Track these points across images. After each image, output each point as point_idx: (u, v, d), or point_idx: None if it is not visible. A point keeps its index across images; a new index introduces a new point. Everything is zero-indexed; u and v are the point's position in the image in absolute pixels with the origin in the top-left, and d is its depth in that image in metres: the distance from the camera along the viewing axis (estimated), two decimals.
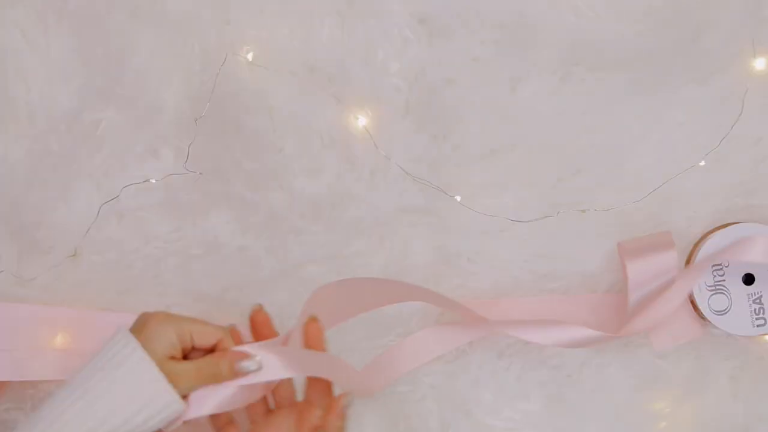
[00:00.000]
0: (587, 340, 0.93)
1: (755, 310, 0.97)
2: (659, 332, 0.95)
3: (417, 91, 0.99)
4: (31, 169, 0.99)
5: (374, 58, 0.98)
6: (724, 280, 0.96)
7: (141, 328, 0.78)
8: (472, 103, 0.99)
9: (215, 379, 0.78)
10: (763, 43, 0.98)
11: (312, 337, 0.87)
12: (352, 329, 0.98)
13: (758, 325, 0.97)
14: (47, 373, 0.95)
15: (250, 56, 0.98)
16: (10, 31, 0.98)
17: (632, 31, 0.98)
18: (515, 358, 1.02)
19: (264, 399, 0.87)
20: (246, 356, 0.80)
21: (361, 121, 1.00)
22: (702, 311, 0.97)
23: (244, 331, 0.90)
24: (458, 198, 1.00)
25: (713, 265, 0.96)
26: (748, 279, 0.98)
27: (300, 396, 0.91)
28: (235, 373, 0.79)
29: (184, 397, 0.78)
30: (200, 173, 0.99)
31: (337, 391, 0.89)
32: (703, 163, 0.99)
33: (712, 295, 0.97)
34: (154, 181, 0.99)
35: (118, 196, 0.99)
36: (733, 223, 0.97)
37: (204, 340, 0.80)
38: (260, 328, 0.88)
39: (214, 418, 0.85)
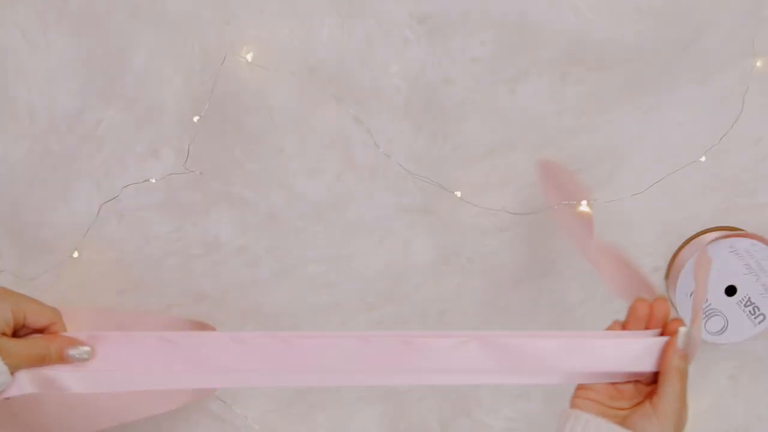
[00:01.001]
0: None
1: (750, 311, 0.97)
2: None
3: (417, 91, 0.99)
4: (31, 169, 0.99)
5: (374, 58, 0.99)
6: (710, 303, 0.97)
7: None
8: (472, 103, 0.99)
9: (43, 360, 0.77)
10: (762, 43, 0.98)
11: None
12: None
13: (759, 323, 0.97)
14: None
15: (249, 56, 0.98)
16: (10, 31, 0.98)
17: (632, 31, 0.98)
18: None
19: None
20: (77, 343, 0.79)
21: (361, 121, 1.00)
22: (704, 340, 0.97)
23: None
24: (458, 194, 1.00)
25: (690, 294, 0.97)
26: (730, 290, 0.98)
27: None
28: (63, 359, 0.78)
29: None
30: (200, 173, 0.99)
31: None
32: (703, 158, 0.99)
33: (706, 321, 0.97)
34: (154, 181, 0.99)
35: (118, 196, 0.99)
36: (698, 235, 0.98)
37: (37, 320, 0.78)
38: None
39: None
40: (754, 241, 0.96)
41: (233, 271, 1.01)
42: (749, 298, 0.97)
